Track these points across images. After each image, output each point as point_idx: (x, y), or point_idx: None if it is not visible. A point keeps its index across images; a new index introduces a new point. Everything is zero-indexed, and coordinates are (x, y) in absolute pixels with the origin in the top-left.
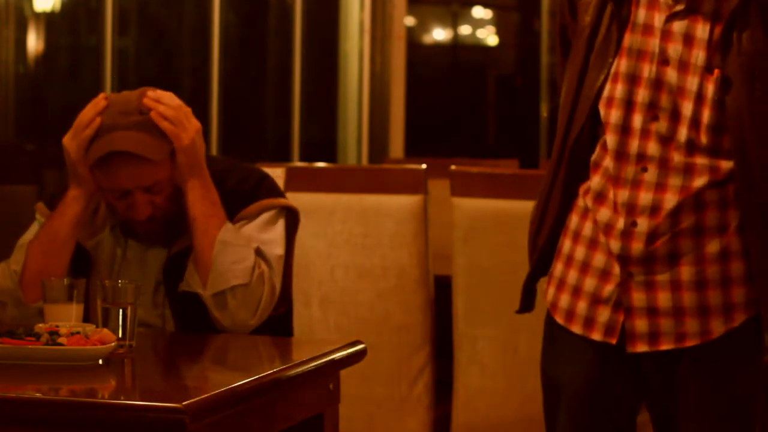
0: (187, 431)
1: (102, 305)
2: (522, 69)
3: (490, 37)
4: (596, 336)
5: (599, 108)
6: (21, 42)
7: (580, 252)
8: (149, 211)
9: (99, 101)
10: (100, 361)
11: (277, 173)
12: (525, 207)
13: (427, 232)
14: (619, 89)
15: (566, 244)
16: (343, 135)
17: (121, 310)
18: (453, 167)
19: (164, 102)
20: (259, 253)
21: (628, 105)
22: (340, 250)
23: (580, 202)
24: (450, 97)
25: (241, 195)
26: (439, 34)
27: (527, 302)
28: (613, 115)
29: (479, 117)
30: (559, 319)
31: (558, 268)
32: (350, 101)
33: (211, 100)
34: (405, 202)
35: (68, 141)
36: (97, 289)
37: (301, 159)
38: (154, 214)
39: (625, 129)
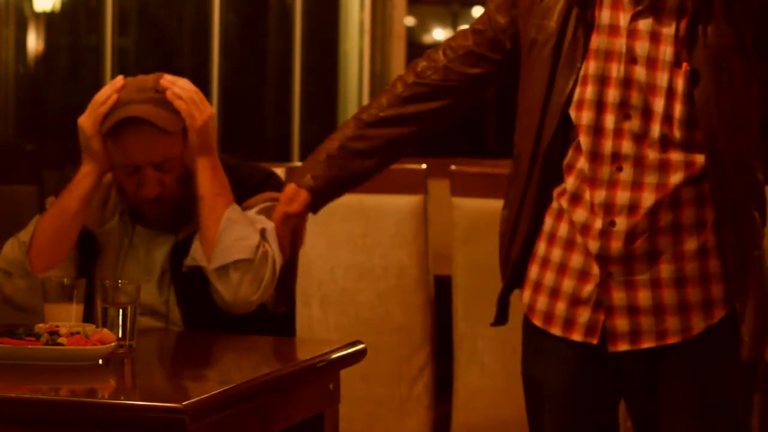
0: (187, 431)
1: (102, 305)
2: None
3: None
4: (577, 337)
5: (570, 112)
6: (21, 42)
7: (556, 254)
8: (158, 190)
9: (117, 81)
10: (100, 361)
11: (277, 173)
12: None
13: (427, 232)
14: (589, 91)
15: (541, 247)
16: None
17: (121, 310)
18: (453, 167)
19: (179, 84)
20: (263, 234)
21: (599, 106)
22: (340, 250)
23: (554, 204)
24: None
25: (248, 188)
26: (439, 34)
27: (502, 315)
28: (584, 117)
29: (479, 117)
30: (537, 322)
31: (533, 270)
32: (350, 101)
33: (211, 100)
34: (405, 202)
35: (84, 118)
36: (97, 288)
37: (301, 159)
38: (162, 194)
39: (597, 130)
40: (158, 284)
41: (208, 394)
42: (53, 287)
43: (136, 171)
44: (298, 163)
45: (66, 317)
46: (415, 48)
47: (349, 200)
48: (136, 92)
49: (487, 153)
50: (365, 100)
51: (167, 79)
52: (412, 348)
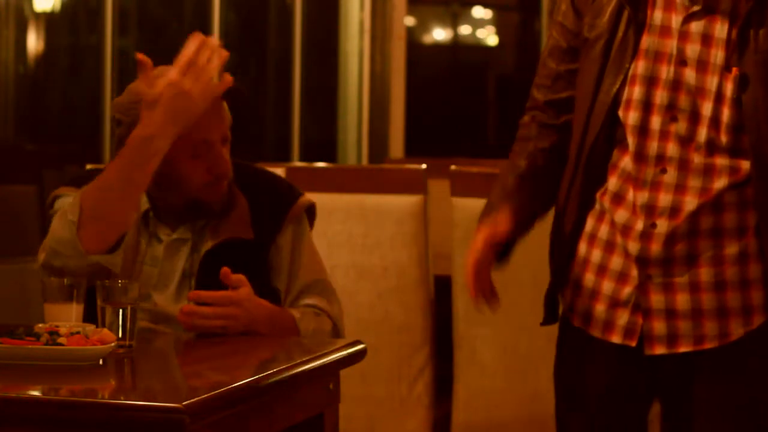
0: (187, 431)
1: (102, 305)
2: (522, 69)
3: (490, 37)
4: (616, 339)
5: (618, 112)
6: (21, 42)
7: (596, 255)
8: (229, 164)
9: (212, 41)
10: (100, 361)
11: (277, 173)
12: None
13: (427, 232)
14: (637, 91)
15: (582, 248)
16: (343, 135)
17: (121, 310)
18: (453, 167)
19: None
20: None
21: (647, 106)
22: (340, 250)
23: (596, 205)
24: (450, 97)
25: (281, 198)
26: (439, 34)
27: (550, 314)
28: (631, 117)
29: (479, 117)
30: (577, 323)
31: (575, 271)
32: (350, 101)
33: None
34: (405, 202)
35: (190, 83)
36: (97, 288)
37: (301, 159)
38: (229, 172)
39: (643, 130)
40: (176, 290)
41: (208, 394)
42: (53, 287)
43: (205, 149)
44: (299, 163)
45: (66, 317)
46: (415, 48)
47: (349, 200)
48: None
49: (487, 153)
50: (365, 100)
51: None
52: (412, 348)
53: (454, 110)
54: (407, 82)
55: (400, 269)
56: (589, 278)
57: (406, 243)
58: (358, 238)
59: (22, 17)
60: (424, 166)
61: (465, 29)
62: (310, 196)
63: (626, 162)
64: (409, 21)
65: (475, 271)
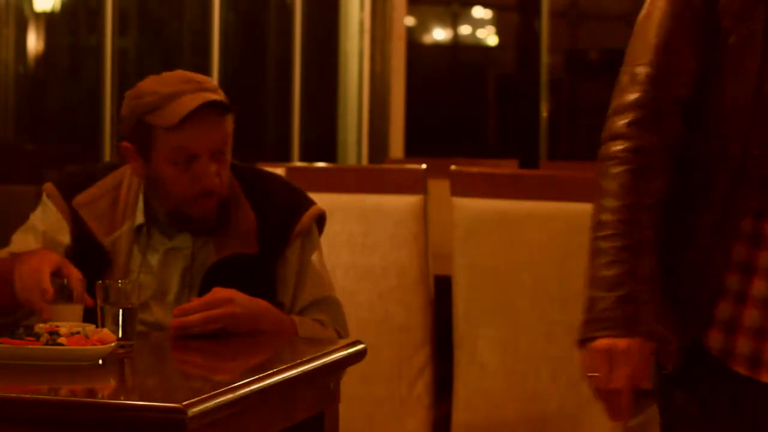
0: (187, 431)
1: (102, 305)
2: (522, 69)
3: (490, 37)
4: None
5: None
6: (21, 42)
7: (759, 288)
8: (216, 180)
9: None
10: (100, 361)
11: (277, 173)
12: (525, 207)
13: (427, 232)
14: None
15: (733, 280)
16: (343, 135)
17: (121, 310)
18: (453, 167)
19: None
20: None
21: None
22: (340, 250)
23: (747, 227)
24: (450, 97)
25: (290, 210)
26: (439, 34)
27: (691, 359)
28: None
29: (479, 117)
30: (741, 369)
31: (724, 308)
32: (350, 101)
33: None
34: (405, 202)
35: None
36: (97, 288)
37: (301, 159)
38: (216, 187)
39: None
40: (175, 300)
41: (208, 394)
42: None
43: (192, 163)
44: (298, 163)
45: (66, 317)
46: (415, 48)
47: (349, 200)
48: (181, 83)
49: (487, 153)
50: (365, 100)
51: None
52: (412, 348)
53: (454, 110)
54: (407, 82)
55: (400, 269)
56: (751, 315)
57: (406, 243)
58: (358, 238)
59: (22, 17)
60: (424, 166)
61: (465, 29)
62: (311, 196)
63: None
64: (409, 21)
65: (627, 397)
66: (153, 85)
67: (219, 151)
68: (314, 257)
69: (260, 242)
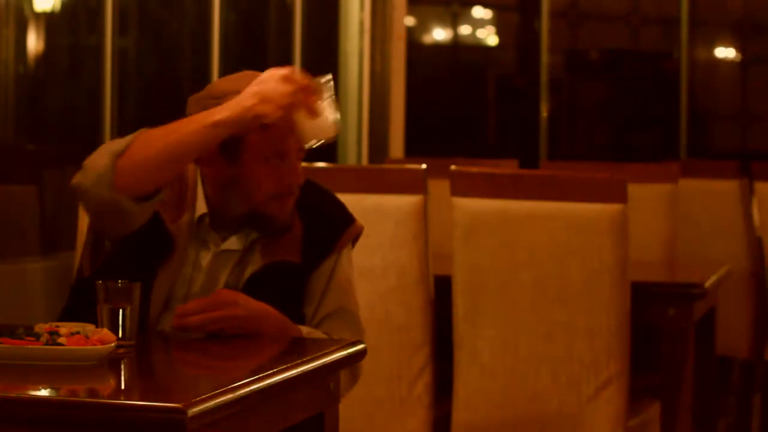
0: (187, 431)
1: (102, 305)
2: (522, 69)
3: (490, 37)
4: None
5: None
6: (21, 42)
7: None
8: (302, 177)
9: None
10: (100, 361)
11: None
12: (525, 207)
13: (427, 232)
14: None
15: None
16: (343, 135)
17: (121, 310)
18: (453, 167)
19: None
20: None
21: None
22: None
23: None
24: (450, 97)
25: (335, 224)
26: (439, 34)
27: None
28: None
29: (479, 117)
30: None
31: None
32: (350, 101)
33: None
34: (405, 202)
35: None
36: (97, 288)
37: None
38: (299, 187)
39: None
40: None
41: (208, 394)
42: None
43: (282, 160)
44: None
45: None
46: (415, 48)
47: (349, 200)
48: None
49: (487, 153)
50: (365, 100)
51: None
52: (412, 348)
53: (454, 110)
54: (407, 82)
55: (400, 269)
56: None
57: (406, 243)
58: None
59: (22, 17)
60: (424, 166)
61: (465, 29)
62: None
63: None
64: (409, 21)
65: None
66: (231, 84)
67: (301, 149)
68: (345, 270)
69: (303, 252)
